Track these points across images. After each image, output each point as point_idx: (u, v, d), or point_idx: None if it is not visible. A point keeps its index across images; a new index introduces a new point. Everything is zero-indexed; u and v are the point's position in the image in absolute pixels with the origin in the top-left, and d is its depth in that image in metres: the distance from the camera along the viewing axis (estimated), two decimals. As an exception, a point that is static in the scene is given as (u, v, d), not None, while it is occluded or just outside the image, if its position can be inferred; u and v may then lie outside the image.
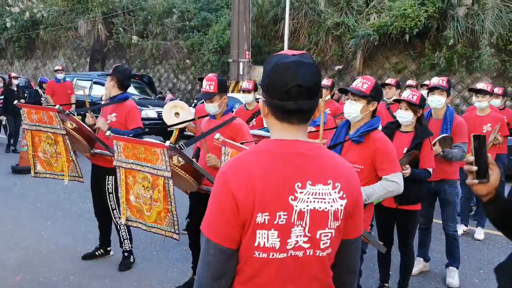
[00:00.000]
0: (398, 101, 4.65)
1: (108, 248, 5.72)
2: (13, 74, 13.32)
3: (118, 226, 5.36)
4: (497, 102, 7.01)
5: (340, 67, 17.91)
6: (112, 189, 5.23)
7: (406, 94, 4.56)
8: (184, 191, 4.80)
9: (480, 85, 6.56)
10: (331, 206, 1.72)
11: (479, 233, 6.84)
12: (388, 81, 7.29)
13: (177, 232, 4.24)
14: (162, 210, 4.22)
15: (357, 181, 1.82)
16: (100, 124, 5.05)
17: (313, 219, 1.70)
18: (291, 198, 1.68)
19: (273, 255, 1.69)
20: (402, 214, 4.50)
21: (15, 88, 12.56)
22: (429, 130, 4.60)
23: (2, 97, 12.17)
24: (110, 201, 5.26)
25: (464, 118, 6.66)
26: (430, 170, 4.42)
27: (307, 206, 1.69)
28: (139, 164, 4.19)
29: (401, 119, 4.54)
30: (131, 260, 5.47)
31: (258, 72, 18.79)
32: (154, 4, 23.39)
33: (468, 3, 15.55)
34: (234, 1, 18.39)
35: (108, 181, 5.22)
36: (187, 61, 22.01)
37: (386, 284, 4.93)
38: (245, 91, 7.13)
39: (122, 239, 5.41)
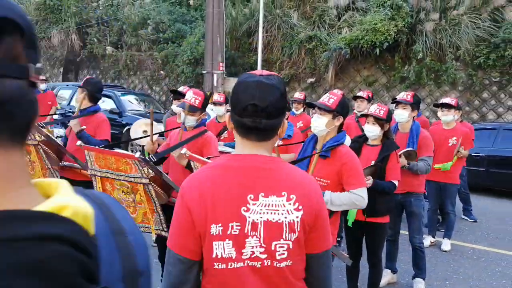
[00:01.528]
0: (365, 115, 4.73)
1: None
2: None
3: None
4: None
5: (312, 80, 18.05)
6: (80, 202, 5.19)
7: (373, 108, 4.64)
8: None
9: (445, 100, 6.71)
10: (285, 217, 1.76)
11: (446, 244, 6.95)
12: (360, 94, 7.35)
13: (165, 230, 4.27)
14: (148, 211, 4.23)
15: (318, 194, 1.85)
16: (73, 124, 5.04)
17: (267, 230, 1.75)
18: (244, 209, 1.75)
19: (231, 265, 1.75)
20: (371, 227, 4.56)
21: None
22: (395, 143, 4.69)
23: None
24: (78, 214, 5.21)
25: (431, 131, 6.81)
26: (396, 182, 4.50)
27: (261, 217, 1.75)
28: (113, 173, 4.20)
29: (368, 133, 4.63)
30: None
31: (232, 83, 18.78)
32: (129, 15, 23.27)
33: (436, 18, 15.91)
34: (208, 13, 18.42)
35: (76, 194, 5.18)
36: (161, 72, 21.93)
37: (354, 296, 4.96)
38: (216, 103, 7.14)
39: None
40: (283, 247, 1.76)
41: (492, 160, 10.83)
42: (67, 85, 17.38)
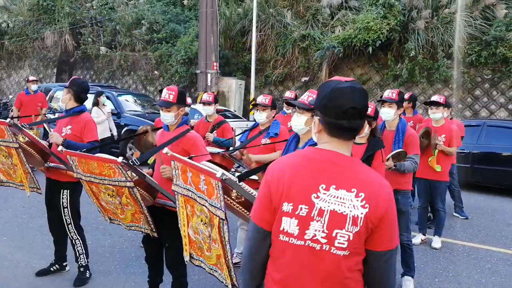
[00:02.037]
0: None
1: (64, 264, 5.63)
2: None
3: (73, 241, 5.29)
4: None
5: (306, 78, 18.05)
6: (66, 203, 5.15)
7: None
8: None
9: (433, 98, 6.73)
10: (350, 211, 1.96)
11: (436, 242, 6.94)
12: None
13: (154, 230, 4.25)
14: (136, 211, 4.20)
15: (388, 198, 2.01)
16: (54, 139, 4.97)
17: (331, 219, 1.97)
18: (314, 196, 2.00)
19: (292, 240, 2.02)
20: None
21: None
22: (381, 141, 4.66)
23: None
24: (64, 215, 5.18)
25: (420, 127, 6.82)
26: (380, 181, 4.44)
27: (328, 206, 1.98)
28: (97, 178, 4.16)
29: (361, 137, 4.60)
30: (87, 276, 5.38)
31: (226, 83, 18.82)
32: (122, 15, 23.23)
33: (427, 16, 15.97)
34: (202, 13, 18.41)
35: (62, 195, 5.14)
36: (156, 72, 21.91)
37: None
38: (206, 103, 7.12)
39: (77, 254, 5.33)
40: (343, 237, 1.96)
41: (476, 156, 10.93)
42: (66, 87, 17.18)
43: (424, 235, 7.14)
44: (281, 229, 2.04)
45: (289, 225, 2.02)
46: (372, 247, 2.00)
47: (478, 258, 6.62)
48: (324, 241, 1.97)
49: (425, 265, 6.26)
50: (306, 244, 1.99)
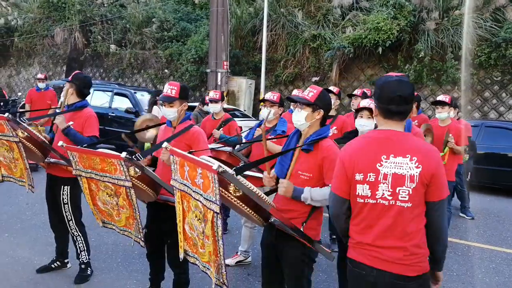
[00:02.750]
0: (360, 109, 4.59)
1: (66, 260, 5.58)
2: None
3: (75, 237, 5.24)
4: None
5: (317, 78, 17.95)
6: (67, 199, 5.10)
7: (367, 102, 4.52)
8: (142, 201, 4.70)
9: (439, 97, 6.71)
10: (407, 171, 2.63)
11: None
12: (355, 92, 7.28)
13: (143, 239, 4.22)
14: (130, 216, 4.16)
15: (436, 160, 2.67)
16: (59, 121, 4.91)
17: (394, 180, 2.66)
18: (378, 165, 2.70)
19: (366, 200, 2.73)
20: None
21: None
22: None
23: None
24: (65, 211, 5.13)
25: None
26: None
27: (390, 170, 2.67)
28: (97, 174, 4.11)
29: (363, 127, 4.51)
30: (88, 273, 5.34)
31: (236, 82, 18.76)
32: (133, 13, 23.25)
33: (437, 16, 15.88)
34: (212, 12, 18.36)
35: (63, 191, 5.09)
36: (166, 70, 21.90)
37: (346, 294, 4.90)
38: (212, 101, 7.05)
39: (78, 251, 5.29)
40: (405, 192, 2.64)
41: (475, 156, 10.84)
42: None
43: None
44: (357, 193, 2.76)
45: (362, 189, 2.73)
46: (428, 199, 2.66)
47: (482, 258, 6.57)
48: (390, 197, 2.66)
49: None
50: (378, 201, 2.69)
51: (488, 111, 15.32)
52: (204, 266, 3.44)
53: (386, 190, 2.65)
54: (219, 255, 3.12)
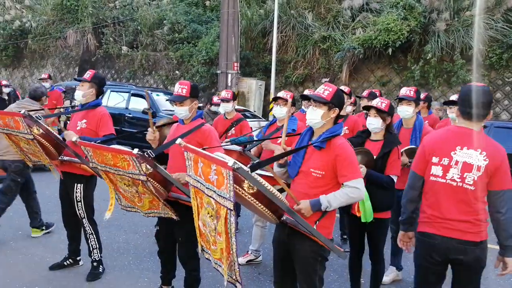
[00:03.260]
0: (367, 108, 4.65)
1: (78, 258, 5.64)
2: (3, 82, 12.58)
3: (87, 235, 5.29)
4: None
5: (327, 79, 17.94)
6: (80, 197, 5.15)
7: (375, 101, 4.57)
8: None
9: (452, 97, 6.62)
10: (476, 162, 3.26)
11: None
12: (363, 94, 7.31)
13: (175, 214, 4.26)
14: (153, 199, 4.19)
15: (502, 155, 3.30)
16: (68, 137, 4.92)
17: (463, 166, 3.29)
18: (453, 153, 3.33)
19: (438, 179, 3.38)
20: (372, 222, 4.47)
21: (6, 97, 11.91)
22: (397, 138, 4.62)
23: None
24: (78, 209, 5.18)
25: (439, 128, 6.68)
26: (394, 178, 4.41)
27: (461, 158, 3.29)
28: (112, 169, 4.14)
29: (370, 126, 4.57)
30: (100, 270, 5.39)
31: (246, 83, 18.81)
32: (144, 15, 23.38)
33: (447, 17, 15.80)
34: (223, 13, 18.44)
35: (76, 189, 5.14)
36: (177, 72, 21.98)
37: (357, 293, 4.93)
38: (224, 100, 7.08)
39: (91, 249, 5.33)
40: (470, 177, 3.26)
41: None
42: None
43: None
44: (431, 173, 3.41)
45: (436, 170, 3.38)
46: (491, 188, 3.28)
47: (496, 259, 6.45)
48: (458, 180, 3.29)
49: (442, 267, 6.15)
50: (447, 182, 3.33)
51: (500, 112, 15.24)
52: (216, 263, 3.43)
53: (455, 174, 3.29)
54: (231, 252, 3.08)
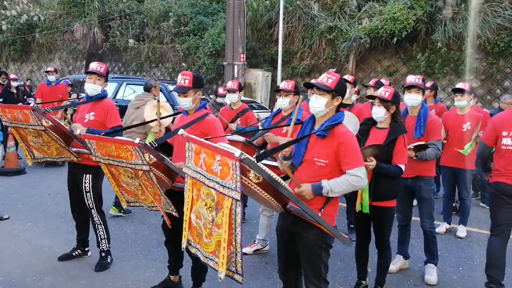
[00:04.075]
0: (371, 97, 4.67)
1: (86, 249, 5.69)
2: (12, 76, 12.43)
3: (96, 225, 5.33)
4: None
5: (333, 70, 17.86)
6: (89, 187, 5.19)
7: (379, 91, 4.57)
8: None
9: (458, 85, 6.59)
10: None
11: (461, 231, 6.83)
12: (370, 82, 7.31)
13: (175, 210, 4.22)
14: (155, 193, 4.19)
15: None
16: (75, 128, 4.95)
17: None
18: None
19: (508, 148, 4.61)
20: (377, 211, 4.50)
21: (14, 91, 11.78)
22: (403, 127, 4.61)
23: (1, 99, 11.31)
24: (87, 199, 5.23)
25: (445, 116, 6.68)
26: (402, 166, 4.42)
27: None
28: (115, 161, 4.16)
29: (374, 115, 4.58)
30: (108, 261, 5.43)
31: (253, 75, 18.80)
32: (150, 8, 23.39)
33: (454, 4, 15.70)
34: (229, 5, 18.41)
35: (85, 179, 5.18)
36: (183, 64, 21.98)
37: (364, 282, 4.92)
38: (230, 91, 7.09)
39: (99, 239, 5.38)
40: None
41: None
42: (112, 77, 15.94)
43: (449, 224, 7.02)
44: (502, 143, 4.64)
45: (506, 141, 4.62)
46: None
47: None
48: None
49: (449, 254, 6.17)
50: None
51: (508, 100, 15.12)
52: (206, 257, 3.31)
53: None
54: (234, 243, 2.99)
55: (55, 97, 11.17)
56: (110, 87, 14.57)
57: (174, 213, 4.25)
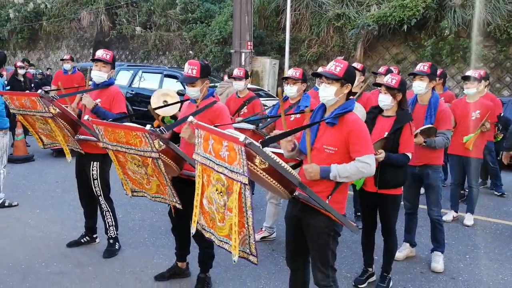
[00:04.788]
0: (378, 85, 4.66)
1: (94, 235, 5.73)
2: (18, 64, 12.34)
3: (104, 212, 5.37)
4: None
5: (341, 58, 17.76)
6: (96, 175, 5.22)
7: (386, 78, 4.55)
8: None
9: (468, 72, 6.53)
10: None
11: (468, 219, 6.82)
12: (380, 70, 7.27)
13: (179, 202, 4.24)
14: (160, 183, 4.20)
15: None
16: (86, 101, 5.02)
17: None
18: None
19: None
20: (383, 198, 4.52)
21: (21, 78, 11.80)
22: (410, 114, 4.60)
23: (8, 87, 11.05)
24: (95, 187, 5.26)
25: (454, 104, 6.64)
26: (409, 154, 4.41)
27: None
28: (123, 147, 4.17)
29: (381, 103, 4.57)
30: (116, 247, 5.47)
31: (260, 62, 18.75)
32: (157, -5, 23.39)
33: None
34: (236, -8, 18.34)
35: (92, 167, 5.21)
36: (190, 52, 21.96)
37: (370, 269, 4.95)
38: (236, 78, 7.06)
39: (107, 226, 5.41)
40: None
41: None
42: (128, 66, 16.37)
43: (456, 212, 7.01)
44: None
45: None
46: None
47: (511, 236, 6.49)
48: None
49: (456, 242, 6.17)
50: None
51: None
52: (221, 241, 3.37)
53: None
54: (246, 225, 3.08)
55: (72, 86, 11.03)
56: (126, 75, 14.57)
57: (178, 205, 4.28)
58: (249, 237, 3.11)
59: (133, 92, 13.83)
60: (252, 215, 3.01)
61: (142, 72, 14.54)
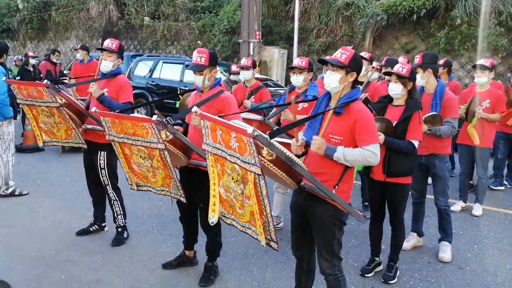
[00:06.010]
0: (388, 74, 4.64)
1: (103, 224, 5.78)
2: (30, 54, 12.28)
3: (112, 201, 5.41)
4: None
5: (350, 47, 17.69)
6: (104, 164, 5.26)
7: (396, 67, 4.53)
8: (174, 166, 4.80)
9: (479, 61, 6.46)
10: None
11: (477, 209, 6.80)
12: (362, 54, 7.24)
13: (183, 196, 4.29)
14: (165, 176, 4.24)
15: None
16: (93, 89, 5.05)
17: None
18: None
19: None
20: (391, 188, 4.52)
21: (31, 68, 11.72)
22: (419, 103, 4.58)
23: (18, 77, 11.36)
24: (102, 176, 5.30)
25: (463, 93, 6.60)
26: (415, 143, 4.38)
27: None
28: (130, 139, 4.19)
29: (391, 92, 4.56)
30: (125, 236, 5.51)
31: (268, 52, 18.67)
32: (166, -15, 23.33)
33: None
34: (245, -19, 18.25)
35: (100, 156, 5.25)
36: (199, 42, 21.92)
37: (377, 258, 4.96)
38: (244, 68, 7.07)
39: (115, 215, 5.46)
40: None
41: None
42: (148, 56, 16.04)
43: (465, 202, 6.98)
44: None
45: None
46: None
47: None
48: None
49: (464, 232, 6.16)
50: None
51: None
52: (244, 226, 3.43)
53: None
54: (265, 213, 3.11)
55: (88, 75, 10.85)
56: (145, 66, 14.44)
57: (182, 199, 4.30)
58: (268, 224, 3.16)
59: (154, 83, 13.62)
60: (269, 203, 3.06)
61: (163, 62, 14.24)
